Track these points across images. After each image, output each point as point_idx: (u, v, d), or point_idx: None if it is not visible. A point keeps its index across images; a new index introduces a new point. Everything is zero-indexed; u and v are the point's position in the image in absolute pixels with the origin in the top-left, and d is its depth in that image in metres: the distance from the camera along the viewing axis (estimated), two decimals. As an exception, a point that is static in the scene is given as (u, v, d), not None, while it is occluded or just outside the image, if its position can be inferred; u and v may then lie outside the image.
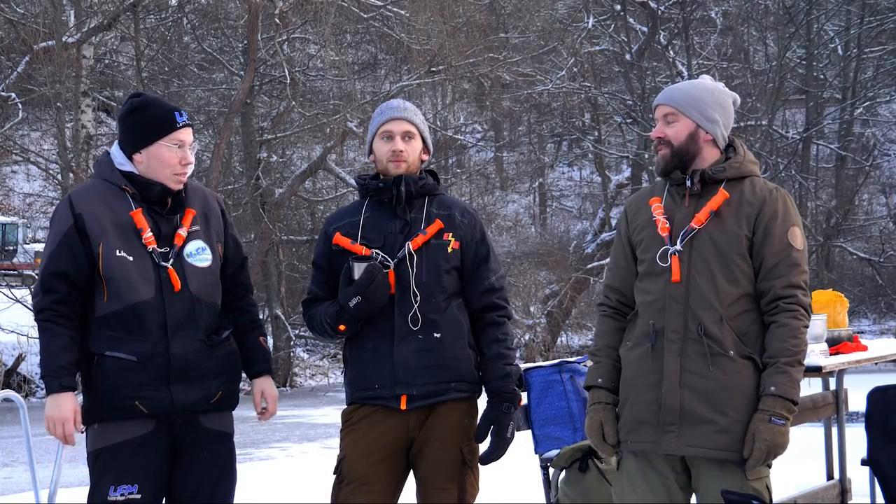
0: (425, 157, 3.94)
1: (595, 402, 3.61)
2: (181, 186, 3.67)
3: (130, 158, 3.63)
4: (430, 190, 3.86)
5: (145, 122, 3.62)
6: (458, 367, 3.75)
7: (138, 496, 3.49)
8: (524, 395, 4.94)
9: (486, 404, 3.78)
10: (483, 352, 3.81)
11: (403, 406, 3.70)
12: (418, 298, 3.72)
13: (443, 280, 3.76)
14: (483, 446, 3.78)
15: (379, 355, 3.73)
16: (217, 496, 3.68)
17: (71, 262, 3.51)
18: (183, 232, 3.64)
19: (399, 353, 3.71)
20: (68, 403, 3.45)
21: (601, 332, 3.70)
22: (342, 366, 3.97)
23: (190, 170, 3.68)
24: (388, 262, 3.75)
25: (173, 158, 3.61)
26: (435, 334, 3.72)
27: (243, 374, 3.90)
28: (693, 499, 3.60)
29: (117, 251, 3.52)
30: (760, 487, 3.40)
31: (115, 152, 3.67)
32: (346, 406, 3.86)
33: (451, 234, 3.80)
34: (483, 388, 3.83)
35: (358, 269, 3.70)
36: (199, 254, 3.67)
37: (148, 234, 3.56)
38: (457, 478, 3.73)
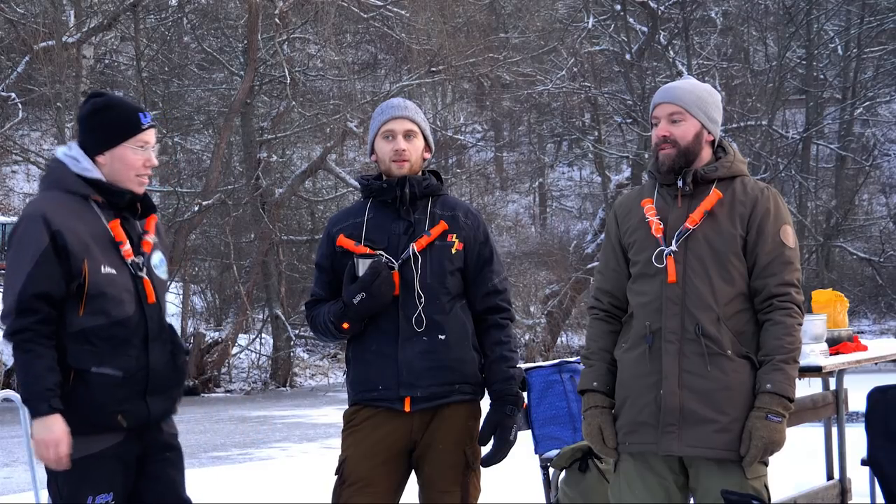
0: (427, 155, 3.93)
1: (591, 406, 3.60)
2: (143, 189, 3.60)
3: (93, 161, 3.54)
4: (433, 191, 3.84)
5: (110, 123, 3.54)
6: (463, 369, 3.75)
7: None
8: (524, 396, 4.95)
9: (488, 407, 3.78)
10: (486, 354, 3.80)
11: (407, 408, 3.69)
12: (423, 300, 3.71)
13: (447, 281, 3.75)
14: (485, 448, 3.77)
15: (383, 357, 3.72)
16: (182, 493, 3.69)
17: (52, 282, 3.38)
18: (150, 238, 3.60)
19: (403, 354, 3.70)
20: (59, 425, 3.37)
21: (593, 335, 3.68)
22: (343, 366, 3.96)
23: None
24: (393, 263, 3.74)
25: (137, 161, 3.54)
26: (440, 336, 3.71)
27: None
28: (691, 499, 3.61)
29: (103, 267, 3.45)
30: (759, 487, 3.41)
31: (79, 156, 3.55)
32: (347, 407, 3.86)
33: (455, 236, 3.79)
34: (486, 391, 3.83)
35: (362, 266, 3.70)
36: (162, 265, 3.64)
37: (127, 247, 3.51)
38: (460, 480, 3.72)
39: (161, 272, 3.63)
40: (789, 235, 3.50)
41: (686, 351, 3.43)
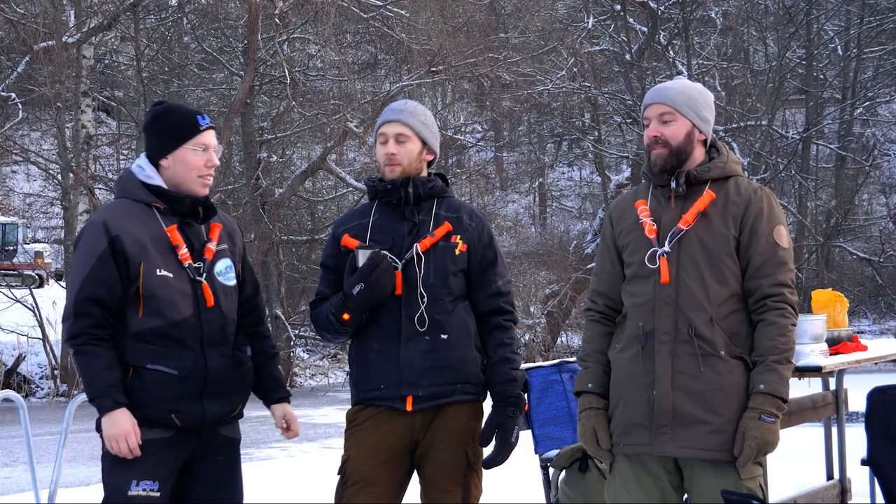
0: (429, 157, 3.93)
1: (586, 407, 3.61)
2: (207, 191, 3.72)
3: (157, 166, 3.68)
4: (438, 192, 3.87)
5: (170, 127, 3.67)
6: (465, 369, 3.76)
7: (157, 494, 3.53)
8: (526, 397, 4.95)
9: (490, 408, 3.78)
10: (489, 355, 3.81)
11: (409, 407, 3.71)
12: (425, 299, 3.72)
13: (450, 282, 3.77)
14: (487, 449, 3.78)
15: (385, 356, 3.74)
16: (236, 496, 3.80)
17: (105, 286, 3.51)
18: (213, 246, 3.70)
19: (405, 353, 3.72)
20: (126, 418, 3.47)
21: (589, 336, 3.68)
22: (343, 366, 3.98)
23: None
24: (396, 263, 3.75)
25: (199, 161, 3.66)
26: (442, 335, 3.73)
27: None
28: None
29: (158, 270, 3.55)
30: (754, 487, 3.40)
31: (144, 164, 3.70)
32: (350, 406, 3.88)
33: (458, 237, 3.81)
34: (488, 392, 3.84)
35: (362, 257, 3.72)
36: (228, 272, 3.73)
37: (184, 251, 3.61)
38: (461, 480, 3.74)
39: (227, 279, 3.71)
40: (783, 236, 3.50)
41: (679, 352, 3.43)
